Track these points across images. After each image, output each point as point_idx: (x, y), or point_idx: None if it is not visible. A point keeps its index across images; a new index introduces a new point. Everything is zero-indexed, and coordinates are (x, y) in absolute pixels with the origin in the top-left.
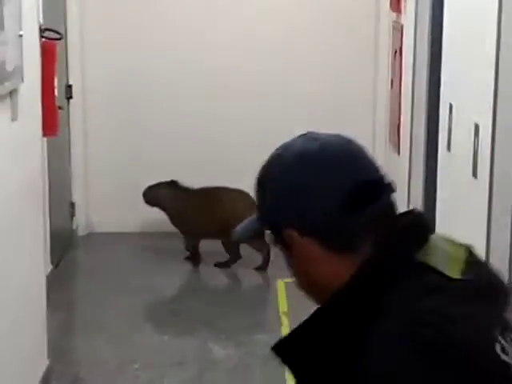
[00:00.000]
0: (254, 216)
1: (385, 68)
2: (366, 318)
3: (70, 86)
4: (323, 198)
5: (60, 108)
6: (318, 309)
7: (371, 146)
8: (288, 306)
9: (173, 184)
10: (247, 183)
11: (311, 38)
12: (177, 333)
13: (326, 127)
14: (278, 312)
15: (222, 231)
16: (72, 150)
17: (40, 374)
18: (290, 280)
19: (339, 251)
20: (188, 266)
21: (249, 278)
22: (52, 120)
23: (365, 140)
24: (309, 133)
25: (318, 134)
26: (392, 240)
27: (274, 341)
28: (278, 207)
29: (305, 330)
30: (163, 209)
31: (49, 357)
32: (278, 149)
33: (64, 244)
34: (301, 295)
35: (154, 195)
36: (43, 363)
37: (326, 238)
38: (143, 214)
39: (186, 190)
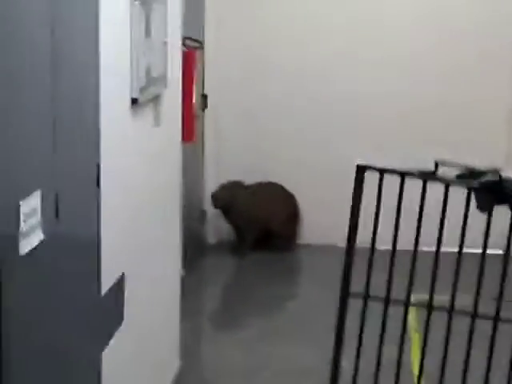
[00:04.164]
0: None
1: None
2: None
3: (205, 96)
4: None
5: (196, 117)
6: None
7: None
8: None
9: (235, 184)
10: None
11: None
12: (305, 342)
13: (470, 126)
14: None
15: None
16: (205, 159)
17: (172, 375)
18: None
19: None
20: (320, 281)
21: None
22: (190, 127)
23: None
24: None
25: None
26: None
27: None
28: None
29: None
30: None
31: (181, 359)
32: None
33: (194, 251)
34: None
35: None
36: (175, 365)
37: None
38: None
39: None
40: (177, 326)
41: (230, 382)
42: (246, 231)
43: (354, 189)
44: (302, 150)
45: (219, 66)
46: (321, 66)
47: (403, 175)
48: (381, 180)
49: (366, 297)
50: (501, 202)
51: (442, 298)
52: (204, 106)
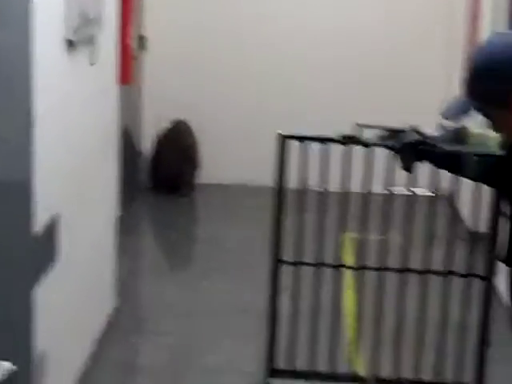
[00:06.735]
0: (459, 99)
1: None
2: None
3: (143, 37)
4: None
5: (133, 58)
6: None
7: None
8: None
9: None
10: None
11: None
12: (241, 282)
13: (406, 90)
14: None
15: None
16: (143, 101)
17: (108, 313)
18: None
19: None
20: (260, 220)
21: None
22: (126, 68)
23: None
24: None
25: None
26: None
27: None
28: (504, 80)
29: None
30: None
31: (118, 299)
32: (485, 44)
33: (132, 191)
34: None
35: None
36: (111, 304)
37: None
38: (209, 165)
39: None
40: (113, 266)
41: (167, 321)
42: (187, 171)
43: (277, 158)
44: (237, 93)
45: (160, 8)
46: (261, 22)
47: (324, 141)
48: (303, 147)
49: (297, 263)
50: (421, 159)
51: (373, 238)
52: (142, 47)
